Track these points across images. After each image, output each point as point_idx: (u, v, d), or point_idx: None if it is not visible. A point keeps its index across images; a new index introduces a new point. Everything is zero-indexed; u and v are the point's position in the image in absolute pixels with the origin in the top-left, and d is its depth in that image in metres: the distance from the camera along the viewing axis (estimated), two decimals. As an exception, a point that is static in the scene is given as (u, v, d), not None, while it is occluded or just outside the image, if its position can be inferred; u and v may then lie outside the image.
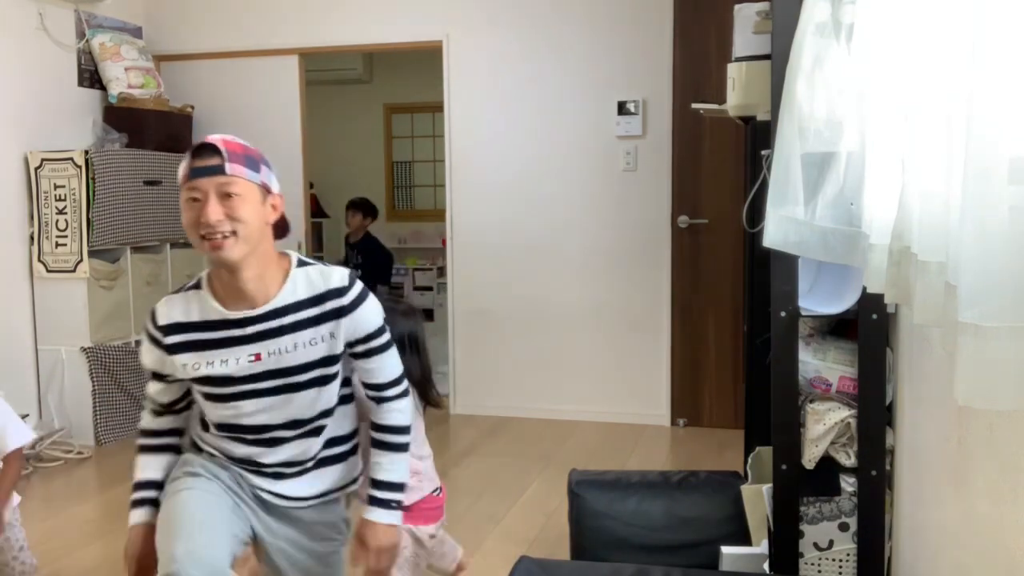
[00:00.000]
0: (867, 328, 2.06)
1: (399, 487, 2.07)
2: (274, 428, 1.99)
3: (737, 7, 2.53)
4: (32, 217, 4.64)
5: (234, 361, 1.94)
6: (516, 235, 5.11)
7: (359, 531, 2.05)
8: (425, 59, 8.53)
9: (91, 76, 5.05)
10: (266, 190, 1.91)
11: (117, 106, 5.02)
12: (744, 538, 2.49)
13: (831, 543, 2.15)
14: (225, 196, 1.83)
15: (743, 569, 2.38)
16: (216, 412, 2.00)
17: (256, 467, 2.04)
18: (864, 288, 1.53)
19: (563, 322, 5.09)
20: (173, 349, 1.97)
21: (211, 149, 1.85)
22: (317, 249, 8.52)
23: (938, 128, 1.24)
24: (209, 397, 1.99)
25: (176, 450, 2.11)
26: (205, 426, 2.06)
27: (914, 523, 1.90)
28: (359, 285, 1.98)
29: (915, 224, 1.30)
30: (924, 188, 1.28)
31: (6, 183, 4.54)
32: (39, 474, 4.20)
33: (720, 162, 4.80)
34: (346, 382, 2.08)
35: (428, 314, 8.44)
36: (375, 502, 2.04)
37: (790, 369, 2.10)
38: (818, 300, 2.18)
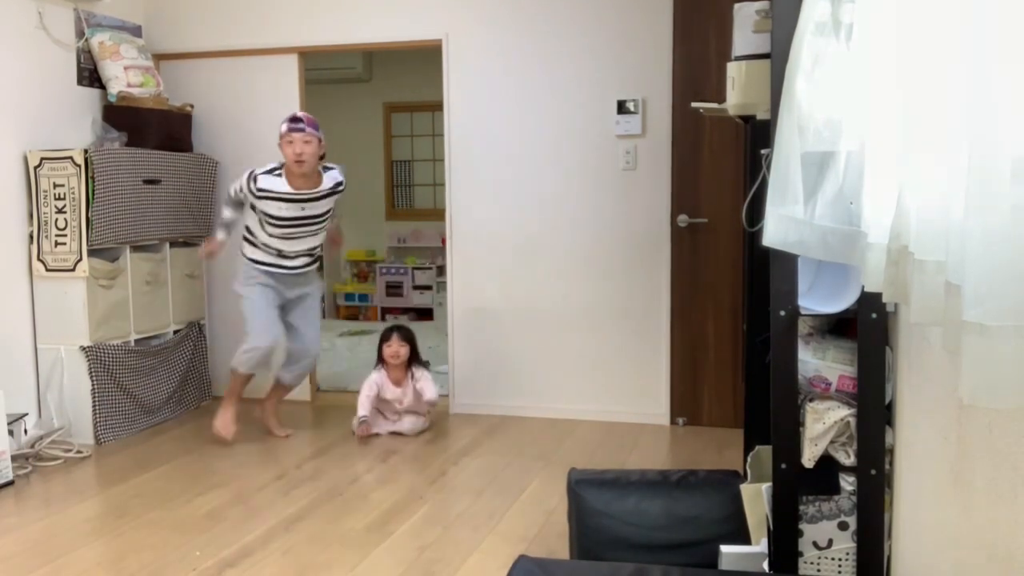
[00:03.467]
0: (866, 327, 2.06)
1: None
2: (298, 238, 4.54)
3: (737, 6, 2.53)
4: (31, 216, 4.64)
5: (287, 209, 4.41)
6: (515, 234, 5.12)
7: (330, 235, 4.77)
8: (425, 58, 8.54)
9: (90, 75, 5.05)
10: (319, 140, 4.38)
11: (116, 105, 5.02)
12: (743, 537, 2.49)
13: (830, 542, 2.15)
14: (305, 142, 4.32)
15: (742, 568, 2.38)
16: (272, 229, 4.46)
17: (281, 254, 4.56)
18: (863, 287, 1.53)
19: (562, 321, 5.09)
20: (259, 197, 4.38)
21: (299, 119, 4.35)
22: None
23: (937, 128, 1.24)
24: (269, 221, 4.44)
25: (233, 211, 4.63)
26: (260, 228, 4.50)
27: (914, 522, 1.90)
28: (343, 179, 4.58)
29: (912, 223, 1.30)
30: (922, 188, 1.28)
31: (5, 182, 4.53)
32: (38, 473, 4.20)
33: (720, 161, 4.80)
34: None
35: (427, 313, 8.46)
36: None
37: (789, 368, 2.10)
38: (817, 299, 2.18)
